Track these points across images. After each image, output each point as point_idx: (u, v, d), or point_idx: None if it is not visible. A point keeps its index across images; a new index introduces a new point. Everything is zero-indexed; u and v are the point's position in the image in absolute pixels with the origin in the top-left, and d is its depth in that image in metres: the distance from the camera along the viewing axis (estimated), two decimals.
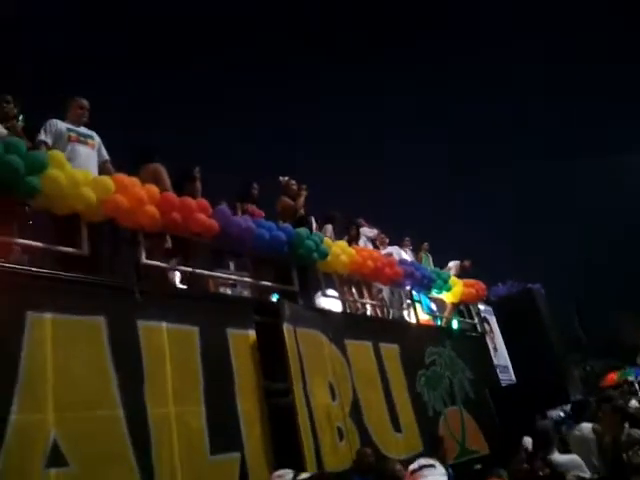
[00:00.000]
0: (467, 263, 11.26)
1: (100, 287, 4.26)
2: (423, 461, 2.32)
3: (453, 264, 10.92)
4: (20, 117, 5.10)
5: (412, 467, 2.29)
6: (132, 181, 4.75)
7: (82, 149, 5.08)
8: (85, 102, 5.39)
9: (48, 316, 3.77)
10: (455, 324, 9.67)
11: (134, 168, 5.46)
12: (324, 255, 6.55)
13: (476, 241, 22.66)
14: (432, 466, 2.24)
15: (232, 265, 7.03)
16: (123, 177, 4.75)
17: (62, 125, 5.10)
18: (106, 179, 4.59)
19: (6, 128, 4.86)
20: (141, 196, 4.68)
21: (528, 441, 6.27)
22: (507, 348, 10.76)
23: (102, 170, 5.21)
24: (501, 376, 9.81)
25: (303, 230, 6.46)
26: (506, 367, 10.42)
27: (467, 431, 7.57)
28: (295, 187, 7.66)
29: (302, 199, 7.59)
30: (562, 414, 8.79)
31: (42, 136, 4.95)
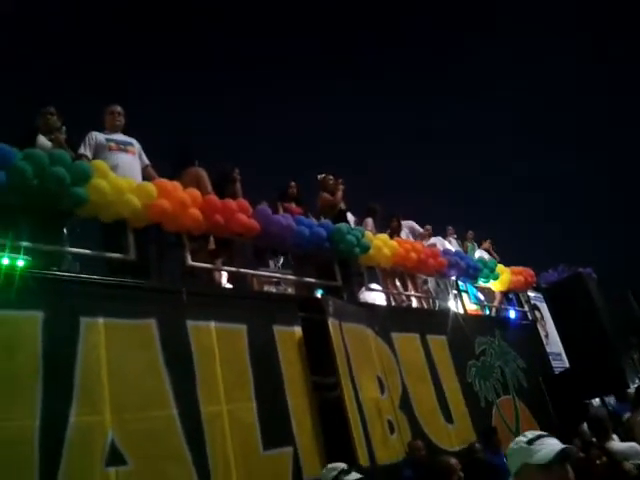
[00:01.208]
0: (487, 244, 11.07)
1: (149, 290, 4.39)
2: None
3: (479, 254, 10.69)
4: (63, 129, 5.26)
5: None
6: (174, 185, 4.86)
7: (124, 157, 5.22)
8: (119, 108, 5.55)
9: (101, 321, 3.91)
10: (512, 314, 9.49)
11: (175, 172, 5.59)
12: (366, 249, 6.55)
13: (525, 226, 22.12)
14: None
15: (272, 263, 7.12)
16: (166, 182, 4.87)
17: (101, 136, 5.26)
18: (149, 185, 4.71)
19: (50, 140, 5.03)
20: (184, 200, 4.79)
21: (585, 429, 6.13)
22: (560, 335, 10.47)
23: (144, 175, 5.35)
24: (554, 363, 9.58)
25: (344, 225, 6.48)
26: (559, 354, 10.15)
27: (521, 420, 7.45)
28: (332, 182, 7.71)
29: (340, 193, 7.64)
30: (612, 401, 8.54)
31: (82, 150, 5.13)
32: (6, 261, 3.78)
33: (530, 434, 2.09)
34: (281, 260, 7.40)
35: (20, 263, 3.85)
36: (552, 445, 2.02)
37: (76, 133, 5.26)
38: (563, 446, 2.00)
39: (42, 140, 4.95)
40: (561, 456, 1.96)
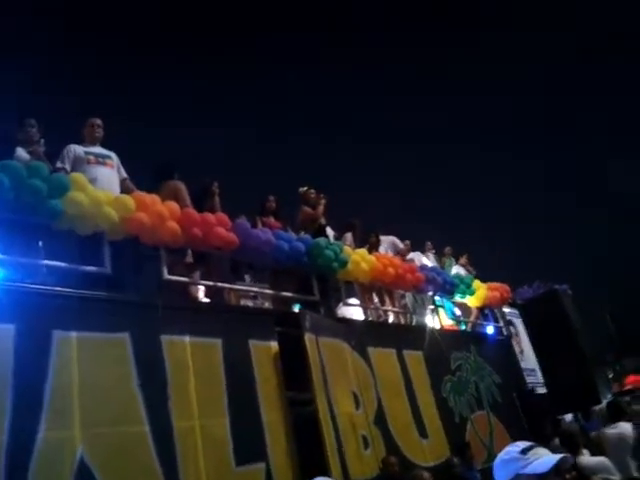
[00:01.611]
0: (463, 260, 11.24)
1: (124, 304, 4.36)
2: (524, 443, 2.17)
3: (456, 270, 10.82)
4: (42, 141, 5.24)
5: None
6: (153, 199, 4.86)
7: (102, 170, 5.23)
8: (98, 121, 5.58)
9: (74, 334, 3.88)
10: (490, 329, 9.60)
11: (153, 185, 5.59)
12: (344, 264, 6.59)
13: (499, 242, 22.36)
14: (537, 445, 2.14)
15: (248, 277, 7.12)
16: (144, 195, 4.86)
17: (80, 149, 5.28)
18: (127, 198, 4.70)
19: (28, 152, 5.01)
20: (162, 213, 4.79)
21: (557, 444, 6.21)
22: (534, 351, 10.60)
23: (123, 188, 5.36)
24: (528, 379, 9.69)
25: (322, 240, 6.51)
26: (534, 370, 10.27)
27: (495, 435, 7.51)
28: (314, 196, 7.75)
29: (321, 207, 7.69)
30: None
31: (60, 163, 5.15)
32: None
33: (522, 444, 2.08)
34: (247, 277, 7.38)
35: None
36: (547, 455, 2.01)
37: (54, 146, 5.25)
38: (561, 455, 2.00)
39: (20, 152, 4.93)
40: (558, 466, 1.96)
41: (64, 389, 3.67)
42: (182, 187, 5.81)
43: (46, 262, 4.32)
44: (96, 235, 4.51)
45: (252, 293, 6.81)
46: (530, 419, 8.25)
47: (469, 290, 9.00)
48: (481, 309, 9.86)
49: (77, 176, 4.53)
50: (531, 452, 2.02)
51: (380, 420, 5.90)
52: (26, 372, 3.56)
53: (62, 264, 4.39)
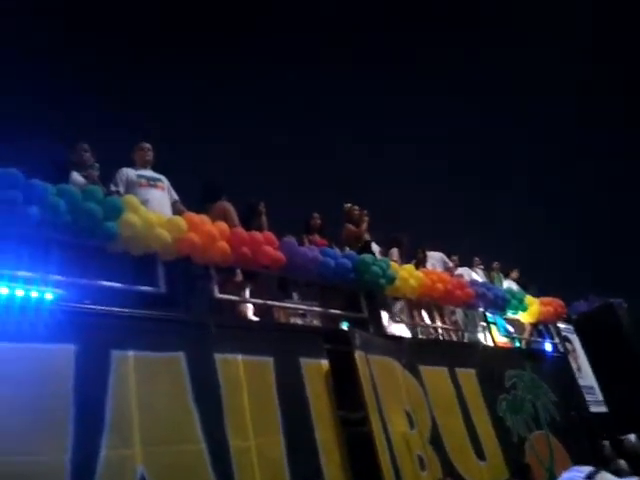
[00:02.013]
0: (514, 274, 10.95)
1: (177, 323, 4.41)
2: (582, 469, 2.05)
3: (507, 284, 10.57)
4: (96, 165, 5.42)
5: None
6: (203, 219, 4.94)
7: (154, 192, 5.37)
8: (148, 145, 5.77)
9: (131, 354, 3.94)
10: (548, 346, 9.31)
11: (202, 207, 5.70)
12: (392, 280, 6.52)
13: (553, 255, 21.73)
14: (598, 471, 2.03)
15: (295, 295, 7.13)
16: (194, 216, 4.95)
17: (132, 173, 5.46)
18: (179, 219, 4.79)
19: (83, 176, 5.18)
20: (213, 233, 4.86)
21: (623, 465, 5.93)
22: (592, 368, 10.22)
23: (173, 210, 5.48)
24: (587, 397, 9.31)
25: (368, 256, 6.47)
26: (592, 388, 9.87)
27: (555, 456, 7.21)
28: (357, 213, 7.75)
29: (365, 224, 7.67)
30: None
31: (114, 187, 5.32)
32: (39, 295, 3.85)
33: (586, 469, 2.00)
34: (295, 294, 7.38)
35: (51, 296, 3.93)
36: None
37: (107, 169, 5.42)
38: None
39: (75, 176, 5.10)
40: None
41: (123, 408, 3.71)
42: (230, 208, 5.91)
43: (103, 283, 4.41)
44: (149, 256, 4.61)
45: (301, 311, 6.79)
46: (590, 439, 7.91)
47: (521, 306, 8.76)
48: (535, 325, 9.58)
49: (130, 198, 4.64)
50: (597, 477, 1.93)
51: (435, 440, 5.75)
52: (87, 391, 3.61)
53: (118, 285, 4.47)
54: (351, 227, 7.67)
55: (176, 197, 5.70)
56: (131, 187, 5.31)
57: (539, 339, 9.64)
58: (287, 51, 22.48)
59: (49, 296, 3.90)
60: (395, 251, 8.13)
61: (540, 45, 23.47)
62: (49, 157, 5.50)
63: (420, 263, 8.10)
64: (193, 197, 6.23)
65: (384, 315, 6.87)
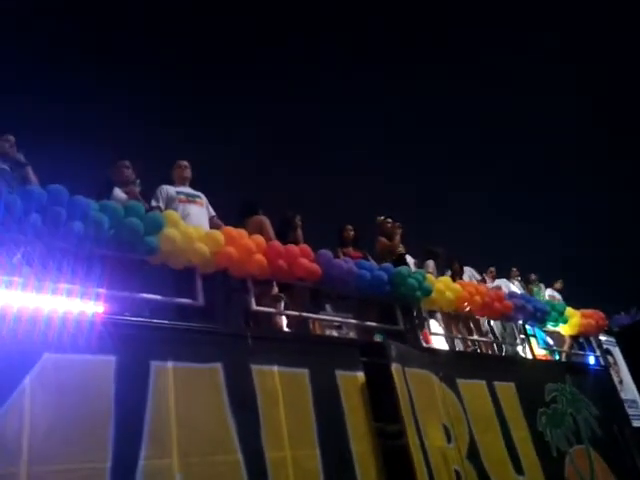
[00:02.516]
0: (558, 285, 10.74)
1: (215, 335, 4.48)
2: None
3: (550, 293, 10.41)
4: (137, 181, 5.60)
5: None
6: (240, 233, 5.03)
7: (193, 208, 5.54)
8: (184, 162, 5.97)
9: (170, 365, 4.01)
10: (592, 360, 9.10)
11: (239, 221, 5.82)
12: (428, 292, 6.48)
13: (594, 266, 21.21)
14: None
15: (328, 307, 7.14)
16: (232, 230, 5.05)
17: (172, 189, 5.65)
18: (217, 233, 4.89)
19: (125, 192, 5.35)
20: (249, 246, 4.94)
21: None
22: (634, 381, 9.93)
23: (211, 225, 5.62)
24: (629, 411, 9.03)
25: (404, 268, 6.46)
26: (634, 401, 9.59)
27: (596, 472, 7.02)
28: (390, 225, 7.74)
29: (398, 237, 7.65)
30: None
31: (154, 202, 5.50)
32: (81, 307, 3.98)
33: None
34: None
35: (94, 309, 4.05)
36: None
37: (148, 186, 5.59)
38: None
39: (117, 192, 5.27)
40: None
41: (162, 418, 3.79)
42: (266, 221, 6.02)
43: (143, 295, 4.53)
44: (188, 269, 4.71)
45: (336, 323, 6.81)
46: (632, 454, 7.68)
47: (562, 318, 8.57)
48: (575, 338, 9.36)
49: (170, 213, 4.78)
50: None
51: (473, 455, 5.66)
52: (127, 401, 3.69)
53: (158, 297, 4.58)
54: (384, 240, 7.67)
55: (213, 213, 5.89)
56: (170, 203, 5.48)
57: (580, 352, 9.42)
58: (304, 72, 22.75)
59: (91, 308, 4.03)
60: (431, 263, 8.09)
61: None
62: (93, 174, 5.72)
63: (456, 275, 8.03)
64: (230, 213, 6.37)
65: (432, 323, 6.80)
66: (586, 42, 22.74)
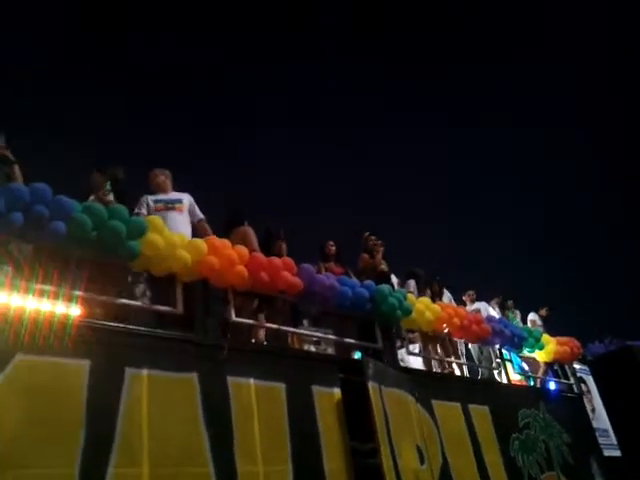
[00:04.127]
0: (544, 312, 10.85)
1: (193, 344, 4.43)
2: None
3: (532, 317, 10.51)
4: (107, 183, 5.53)
5: None
6: (223, 243, 5.00)
7: (170, 215, 5.51)
8: (156, 170, 5.96)
9: (145, 372, 3.96)
10: (552, 385, 9.16)
11: (225, 232, 5.79)
12: (408, 312, 6.49)
13: (570, 295, 21.49)
14: None
15: (306, 322, 7.10)
16: (215, 239, 5.01)
17: (150, 198, 5.71)
18: (200, 242, 4.85)
19: (96, 199, 5.27)
20: (232, 257, 4.91)
21: None
22: (607, 410, 10.02)
23: (198, 229, 5.60)
24: (601, 440, 9.10)
25: (386, 287, 6.46)
26: (606, 431, 9.66)
27: None
28: (372, 243, 7.75)
29: (379, 255, 7.66)
30: None
31: (137, 210, 5.55)
32: (58, 309, 3.91)
33: None
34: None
35: (72, 312, 3.98)
36: None
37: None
38: None
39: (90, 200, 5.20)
40: None
41: (134, 426, 3.72)
42: (250, 232, 6.00)
43: (121, 301, 4.46)
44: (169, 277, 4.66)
45: (315, 338, 6.77)
46: None
47: (538, 344, 8.63)
48: (550, 364, 9.43)
49: (154, 219, 4.72)
50: None
51: (445, 477, 5.65)
52: (99, 407, 3.63)
53: (136, 303, 4.52)
54: (366, 257, 7.67)
55: (201, 216, 5.84)
56: (151, 212, 5.48)
57: (554, 379, 9.48)
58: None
59: (69, 311, 3.96)
60: (412, 283, 8.11)
61: None
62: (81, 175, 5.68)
63: (435, 295, 8.06)
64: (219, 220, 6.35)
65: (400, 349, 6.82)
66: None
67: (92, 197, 5.25)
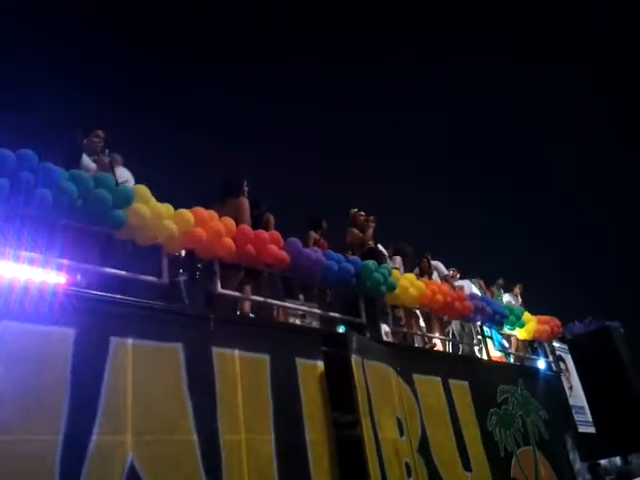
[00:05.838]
0: (517, 289, 11.01)
1: (178, 315, 4.46)
2: None
3: (507, 298, 10.65)
4: (106, 151, 5.45)
5: None
6: (211, 215, 4.98)
7: None
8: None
9: (130, 341, 3.98)
10: (541, 364, 9.35)
11: (220, 201, 5.73)
12: (392, 288, 6.56)
13: (552, 275, 21.73)
14: None
15: (302, 297, 7.15)
16: (202, 211, 4.99)
17: None
18: (187, 213, 4.83)
19: (94, 162, 5.21)
20: (219, 229, 4.90)
21: None
22: (584, 388, 10.26)
23: None
24: (577, 417, 9.35)
25: (371, 262, 6.50)
26: (582, 408, 9.91)
27: (541, 473, 7.27)
28: (363, 218, 7.77)
29: (371, 230, 7.68)
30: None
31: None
32: (43, 277, 3.90)
33: None
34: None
35: (57, 280, 3.98)
36: None
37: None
38: None
39: (86, 160, 5.14)
40: None
41: (118, 394, 3.75)
42: (244, 204, 5.90)
43: (107, 270, 4.45)
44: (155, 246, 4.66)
45: (300, 312, 6.83)
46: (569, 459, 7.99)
47: (519, 322, 8.78)
48: (530, 342, 9.61)
49: (141, 188, 4.68)
50: None
51: (424, 449, 5.79)
52: (83, 375, 3.65)
53: (122, 272, 4.51)
54: (356, 232, 7.69)
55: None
56: None
57: (533, 356, 9.67)
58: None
59: (53, 279, 3.95)
60: (398, 259, 8.17)
61: None
62: (61, 140, 5.54)
63: (424, 272, 8.13)
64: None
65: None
66: None
67: (88, 158, 5.14)
